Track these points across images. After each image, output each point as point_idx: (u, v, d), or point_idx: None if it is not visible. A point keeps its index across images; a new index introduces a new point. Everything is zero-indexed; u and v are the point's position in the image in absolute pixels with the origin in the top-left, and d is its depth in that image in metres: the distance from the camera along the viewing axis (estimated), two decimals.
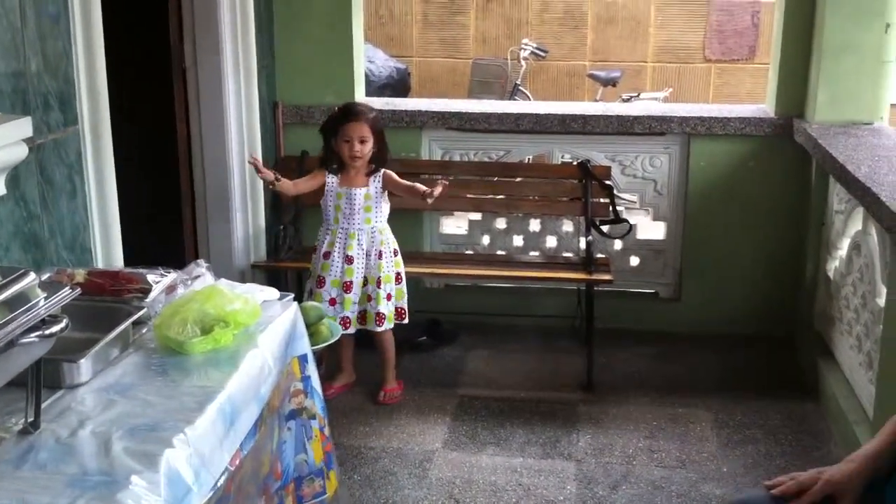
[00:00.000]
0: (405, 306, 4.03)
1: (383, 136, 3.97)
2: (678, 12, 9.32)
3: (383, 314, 3.94)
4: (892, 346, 3.15)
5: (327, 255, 3.93)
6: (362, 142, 3.87)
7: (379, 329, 3.96)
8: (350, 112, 3.93)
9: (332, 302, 3.91)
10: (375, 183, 3.95)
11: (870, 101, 4.31)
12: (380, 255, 3.94)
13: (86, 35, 2.92)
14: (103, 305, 2.31)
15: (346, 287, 3.91)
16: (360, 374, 4.15)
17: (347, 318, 3.92)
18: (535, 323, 4.81)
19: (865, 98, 4.30)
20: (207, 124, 4.29)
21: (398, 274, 4.00)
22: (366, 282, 3.95)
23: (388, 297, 3.96)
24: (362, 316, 3.97)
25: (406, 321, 4.06)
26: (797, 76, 4.45)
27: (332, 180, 3.93)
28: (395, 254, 4.00)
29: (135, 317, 2.25)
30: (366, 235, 3.93)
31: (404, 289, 4.03)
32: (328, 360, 4.06)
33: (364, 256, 3.94)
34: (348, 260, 3.92)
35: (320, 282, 3.92)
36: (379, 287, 3.93)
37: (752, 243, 4.69)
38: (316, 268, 3.97)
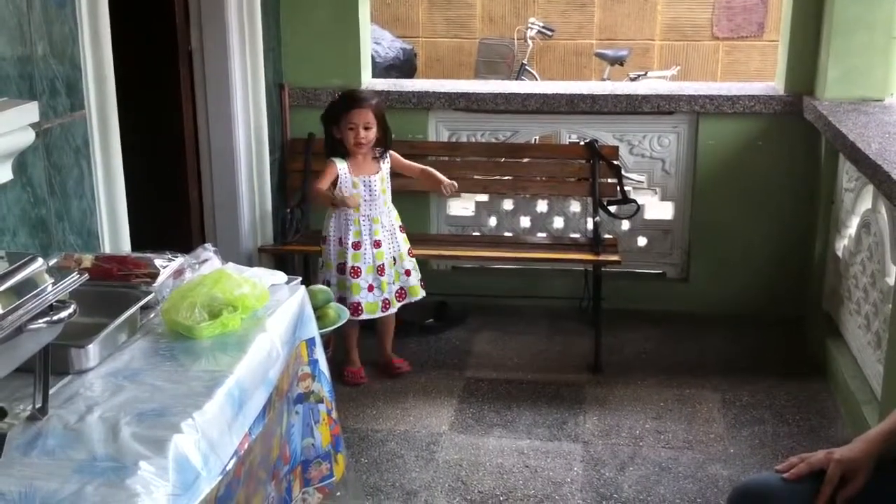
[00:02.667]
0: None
1: (385, 120, 4.00)
2: None
3: (423, 281, 4.14)
4: None
5: (357, 245, 3.94)
6: (367, 128, 3.90)
7: (423, 295, 4.11)
8: (353, 99, 3.95)
9: (371, 288, 3.97)
10: (386, 166, 4.02)
11: (880, 77, 4.28)
12: (402, 229, 4.07)
13: (92, 18, 2.91)
14: (111, 290, 2.31)
15: (380, 271, 3.98)
16: (365, 357, 4.16)
17: (387, 300, 4.01)
18: (542, 304, 4.81)
19: (876, 74, 4.27)
20: (214, 107, 4.29)
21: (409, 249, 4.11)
22: (394, 260, 4.03)
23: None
24: (401, 292, 4.06)
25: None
26: (807, 53, 4.42)
27: (343, 169, 3.93)
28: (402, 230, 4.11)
29: (143, 301, 2.25)
30: (385, 217, 4.00)
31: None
32: (335, 344, 4.06)
33: (390, 237, 4.01)
34: (376, 244, 3.97)
35: (355, 271, 3.94)
36: (411, 257, 4.08)
37: (760, 222, 4.67)
38: (344, 258, 3.96)
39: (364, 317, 3.96)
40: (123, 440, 1.74)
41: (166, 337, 2.22)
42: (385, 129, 4.00)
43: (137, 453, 1.70)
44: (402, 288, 4.07)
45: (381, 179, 3.98)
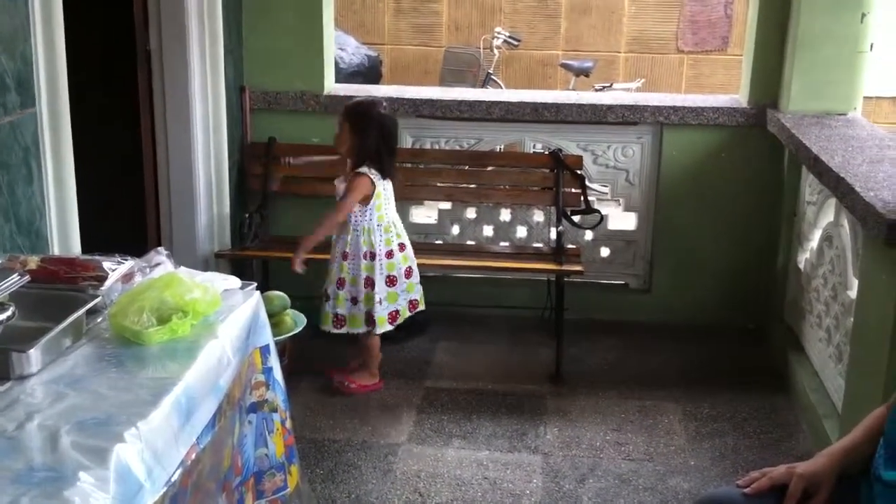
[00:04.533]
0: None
1: (360, 128, 3.80)
2: (652, 2, 9.28)
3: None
4: (862, 339, 3.13)
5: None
6: (338, 131, 3.84)
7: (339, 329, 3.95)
8: None
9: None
10: (344, 183, 3.87)
11: (844, 91, 4.29)
12: (345, 256, 3.89)
13: (45, 14, 2.84)
14: (56, 293, 2.24)
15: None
16: (329, 365, 4.09)
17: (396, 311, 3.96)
18: (504, 314, 4.77)
19: (840, 88, 4.28)
20: (172, 109, 4.20)
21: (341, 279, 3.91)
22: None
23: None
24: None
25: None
26: (771, 65, 4.42)
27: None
28: (345, 257, 3.89)
29: (89, 305, 2.18)
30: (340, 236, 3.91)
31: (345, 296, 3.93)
32: (291, 351, 3.98)
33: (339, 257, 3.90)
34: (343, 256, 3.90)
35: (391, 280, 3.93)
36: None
37: (723, 234, 4.67)
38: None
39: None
40: (63, 449, 1.69)
41: (113, 342, 2.16)
42: (359, 138, 3.80)
43: (77, 463, 1.65)
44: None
45: (339, 188, 3.91)
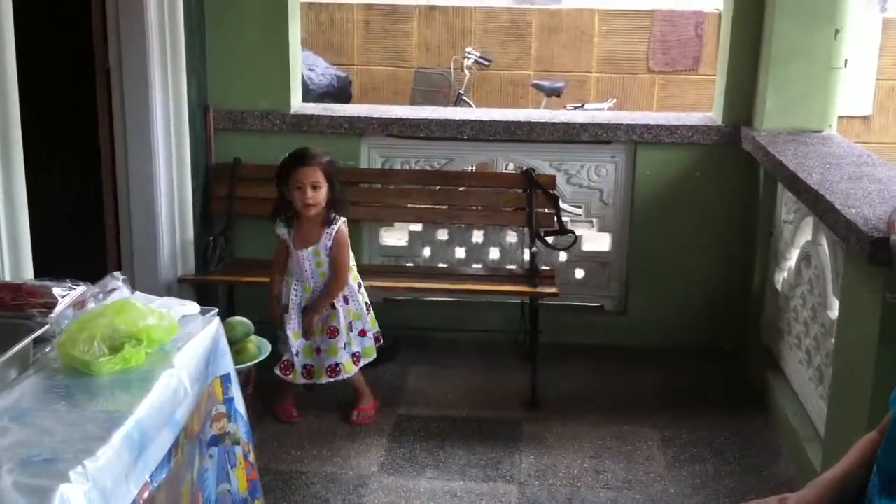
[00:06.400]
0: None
1: (336, 181, 3.74)
2: (622, 23, 9.27)
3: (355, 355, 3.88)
4: (845, 360, 3.05)
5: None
6: (315, 188, 3.65)
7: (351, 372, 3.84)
8: (301, 157, 3.69)
9: (363, 333, 3.85)
10: (327, 239, 3.73)
11: (819, 107, 4.23)
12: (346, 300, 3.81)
13: None
14: (1, 321, 2.11)
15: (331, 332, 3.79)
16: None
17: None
18: (477, 338, 4.66)
19: (815, 105, 4.23)
20: (132, 129, 4.07)
21: (350, 323, 3.83)
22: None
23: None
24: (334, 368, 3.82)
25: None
26: (744, 83, 4.37)
27: (287, 239, 3.75)
28: (346, 301, 3.82)
29: (36, 334, 2.07)
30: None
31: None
32: (256, 379, 3.83)
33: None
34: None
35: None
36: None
37: (698, 254, 4.60)
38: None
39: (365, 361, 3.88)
40: (3, 490, 1.58)
41: (62, 373, 2.05)
42: (337, 192, 3.73)
43: None
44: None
45: (314, 253, 3.72)
